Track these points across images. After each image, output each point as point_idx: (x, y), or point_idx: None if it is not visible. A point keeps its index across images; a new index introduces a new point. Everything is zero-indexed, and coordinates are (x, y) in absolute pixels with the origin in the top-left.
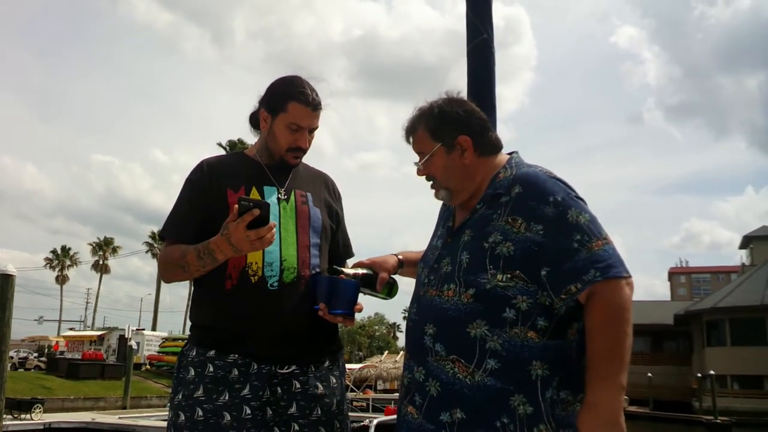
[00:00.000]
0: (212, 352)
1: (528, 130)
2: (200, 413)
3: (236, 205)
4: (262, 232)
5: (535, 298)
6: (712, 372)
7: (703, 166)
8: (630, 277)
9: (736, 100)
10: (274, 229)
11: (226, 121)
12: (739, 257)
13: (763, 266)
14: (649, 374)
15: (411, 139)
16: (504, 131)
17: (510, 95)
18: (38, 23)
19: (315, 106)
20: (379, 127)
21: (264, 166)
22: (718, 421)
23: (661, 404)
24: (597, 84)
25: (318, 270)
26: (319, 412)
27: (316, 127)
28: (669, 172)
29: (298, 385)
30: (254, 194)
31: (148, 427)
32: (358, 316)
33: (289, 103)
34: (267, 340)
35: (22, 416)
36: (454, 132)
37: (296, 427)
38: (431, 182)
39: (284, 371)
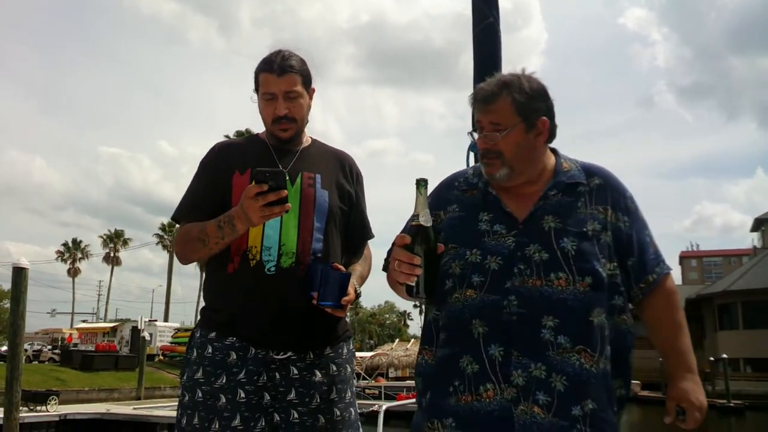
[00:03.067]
0: (213, 334)
1: None
2: (200, 394)
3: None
4: (270, 197)
5: (624, 286)
6: (724, 355)
7: (714, 149)
8: None
9: (748, 81)
10: (288, 204)
11: (234, 111)
12: (750, 240)
13: None
14: (661, 359)
15: (486, 107)
16: None
17: None
18: (42, 17)
19: (281, 70)
20: (387, 114)
21: (271, 147)
22: (732, 404)
23: None
24: (607, 67)
25: (319, 255)
26: (318, 400)
27: (294, 92)
28: (680, 155)
29: (295, 372)
30: None
31: (163, 417)
32: (368, 304)
33: (259, 75)
34: (262, 325)
35: (38, 408)
36: (538, 112)
37: (295, 414)
38: (490, 156)
39: (281, 357)
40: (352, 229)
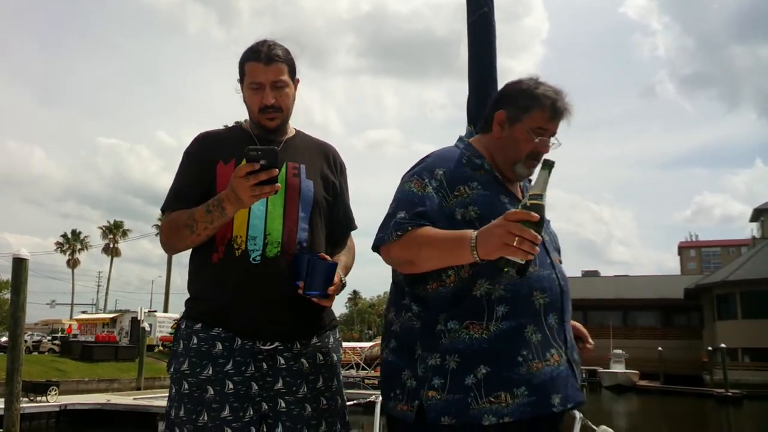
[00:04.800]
0: (199, 326)
1: None
2: (186, 386)
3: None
4: (261, 177)
5: None
6: (722, 345)
7: (715, 139)
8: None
9: (749, 70)
10: (278, 184)
11: (233, 101)
12: (749, 230)
13: None
14: (660, 348)
15: (560, 120)
16: None
17: (522, 69)
18: (40, 7)
19: (267, 60)
20: (388, 104)
21: (254, 137)
22: (729, 394)
23: (671, 378)
24: (608, 57)
25: (305, 245)
26: (305, 389)
27: (281, 81)
28: (680, 146)
29: (282, 362)
30: None
31: (163, 407)
32: (367, 294)
33: (245, 64)
34: (248, 315)
35: (39, 399)
36: None
37: (283, 404)
38: (537, 159)
39: (267, 347)
40: (336, 219)
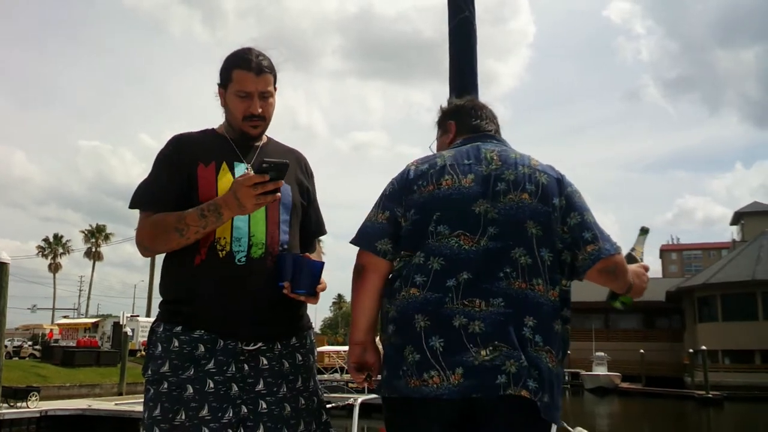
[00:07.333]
0: (179, 328)
1: (524, 108)
2: (165, 386)
3: (261, 166)
4: (269, 187)
5: None
6: (703, 347)
7: (697, 142)
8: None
9: (732, 74)
10: (279, 193)
11: (218, 104)
12: (730, 233)
13: (753, 242)
14: (642, 351)
15: None
16: (500, 109)
17: (509, 72)
18: (21, 7)
19: (258, 70)
20: (373, 107)
21: (231, 142)
22: (710, 395)
23: (653, 380)
24: (592, 60)
25: (286, 247)
26: (285, 389)
27: (268, 92)
28: (662, 149)
29: (265, 362)
30: (224, 170)
31: None
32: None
33: (233, 72)
34: (232, 316)
35: (19, 404)
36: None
37: (264, 405)
38: None
39: (250, 348)
40: (309, 224)
